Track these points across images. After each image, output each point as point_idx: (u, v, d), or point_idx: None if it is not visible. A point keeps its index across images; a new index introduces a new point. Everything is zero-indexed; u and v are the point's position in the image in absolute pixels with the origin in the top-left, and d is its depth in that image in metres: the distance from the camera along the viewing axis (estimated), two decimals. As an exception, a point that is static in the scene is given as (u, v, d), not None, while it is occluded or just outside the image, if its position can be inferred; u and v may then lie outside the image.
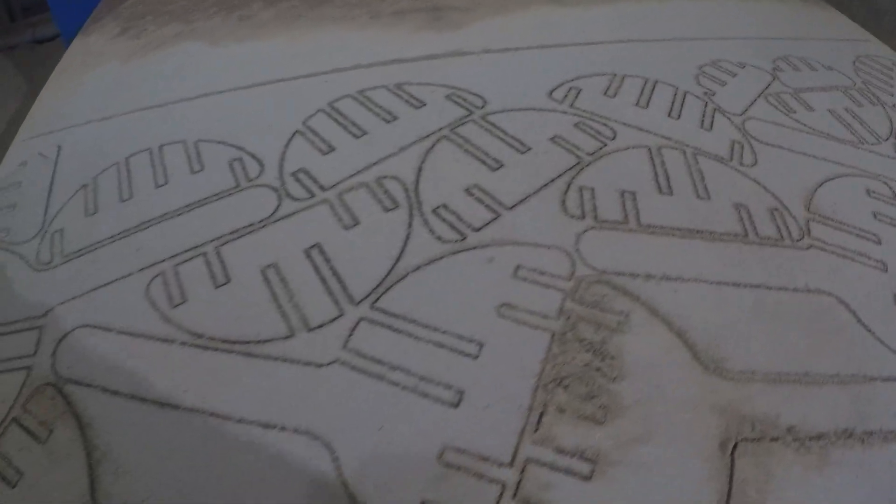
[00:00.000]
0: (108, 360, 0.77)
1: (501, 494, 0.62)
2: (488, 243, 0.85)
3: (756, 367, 0.72)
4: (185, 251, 0.88)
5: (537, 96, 1.10)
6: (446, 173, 0.95)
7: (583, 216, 0.88)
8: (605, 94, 1.11)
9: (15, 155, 1.16)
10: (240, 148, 1.04)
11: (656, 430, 0.67)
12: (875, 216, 0.93)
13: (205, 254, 0.87)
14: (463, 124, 1.04)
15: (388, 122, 1.05)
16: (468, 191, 0.92)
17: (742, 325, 0.76)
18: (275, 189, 0.95)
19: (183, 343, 0.77)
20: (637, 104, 1.09)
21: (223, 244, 0.88)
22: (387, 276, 0.81)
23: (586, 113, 1.06)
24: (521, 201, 0.90)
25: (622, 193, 0.92)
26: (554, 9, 1.40)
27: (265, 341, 0.76)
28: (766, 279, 0.81)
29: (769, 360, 0.73)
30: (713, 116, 1.08)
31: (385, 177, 0.95)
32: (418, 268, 0.82)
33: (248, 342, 0.76)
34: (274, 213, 0.91)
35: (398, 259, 0.83)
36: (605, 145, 1.00)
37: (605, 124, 1.04)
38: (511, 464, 0.64)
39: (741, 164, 0.98)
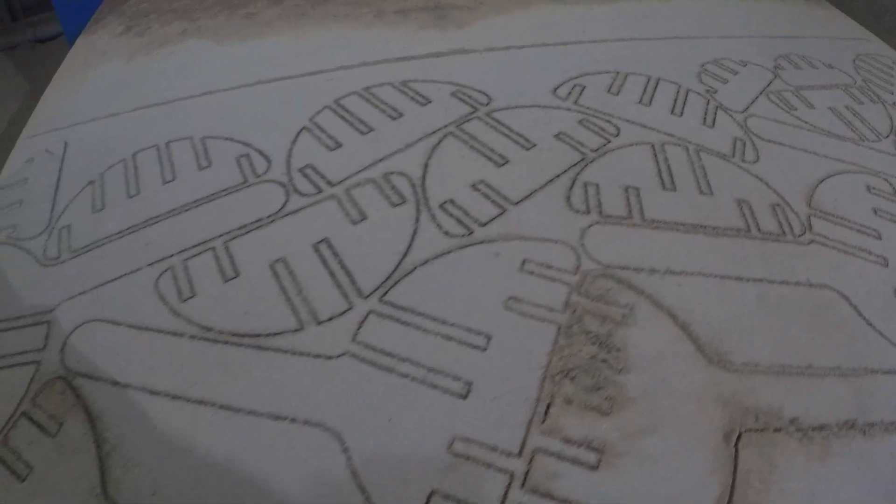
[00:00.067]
0: (118, 354, 0.77)
1: (510, 484, 0.63)
2: (495, 238, 0.86)
3: (759, 359, 0.73)
4: (194, 246, 0.88)
5: (541, 94, 1.11)
6: (452, 169, 0.96)
7: (588, 211, 0.89)
8: (609, 91, 1.12)
9: (21, 152, 1.16)
10: (247, 144, 1.04)
11: (662, 421, 0.68)
12: (875, 212, 0.94)
13: (213, 249, 0.88)
14: (468, 121, 1.05)
15: (394, 118, 1.06)
16: (474, 186, 0.93)
17: (745, 318, 0.77)
18: (282, 185, 0.96)
19: (192, 336, 0.78)
20: (640, 101, 1.10)
21: (232, 239, 0.89)
22: (395, 270, 0.82)
23: (590, 110, 1.07)
24: (527, 197, 0.91)
25: (626, 189, 0.93)
26: (556, 7, 1.41)
27: (275, 334, 0.76)
28: (769, 274, 0.82)
29: (772, 352, 0.74)
30: (715, 114, 1.09)
31: (392, 173, 0.96)
32: (426, 262, 0.83)
33: (257, 335, 0.77)
34: (282, 208, 0.92)
35: (406, 253, 0.84)
36: (609, 142, 1.01)
37: (608, 121, 1.05)
38: (519, 454, 0.65)
39: (743, 160, 0.99)
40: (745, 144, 1.03)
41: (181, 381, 0.74)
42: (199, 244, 0.89)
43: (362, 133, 1.04)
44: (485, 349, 0.74)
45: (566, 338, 0.74)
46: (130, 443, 0.69)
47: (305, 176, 0.97)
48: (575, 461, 0.65)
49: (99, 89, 1.29)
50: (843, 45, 1.35)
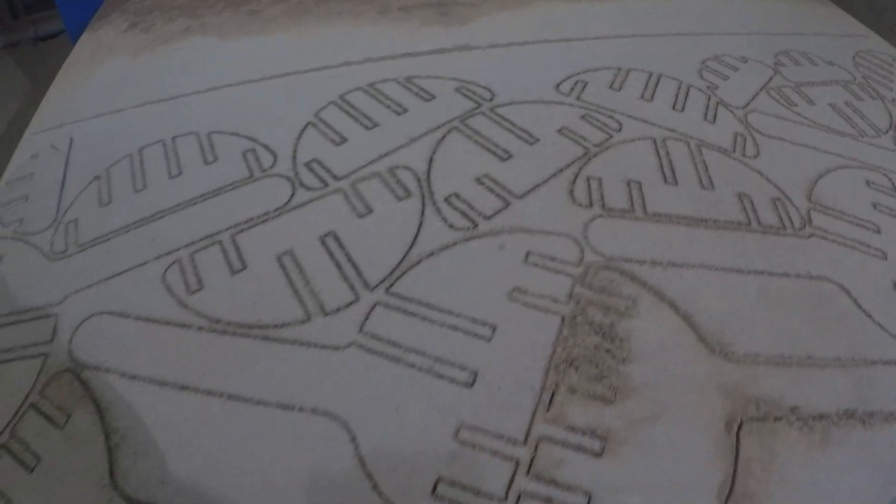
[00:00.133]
0: (126, 346, 0.78)
1: (515, 471, 0.64)
2: (499, 231, 0.87)
3: (760, 350, 0.74)
4: (201, 239, 0.89)
5: (544, 89, 1.12)
6: (457, 164, 0.97)
7: (590, 205, 0.90)
8: (611, 87, 1.13)
9: (26, 148, 1.17)
10: (252, 139, 1.05)
11: (664, 410, 0.69)
12: (875, 206, 0.95)
13: (220, 242, 0.88)
14: (472, 116, 1.06)
15: (398, 114, 1.07)
16: (479, 180, 0.94)
17: (746, 310, 0.78)
18: (289, 179, 0.97)
19: (200, 328, 0.79)
20: (642, 97, 1.11)
21: (239, 232, 0.89)
22: (401, 262, 0.83)
23: (592, 105, 1.08)
24: (531, 190, 0.92)
25: (628, 183, 0.94)
26: (558, 4, 1.42)
27: (282, 326, 0.77)
28: (769, 266, 0.83)
29: (773, 343, 0.75)
30: (716, 109, 1.10)
31: (397, 167, 0.97)
32: (431, 254, 0.84)
33: (265, 326, 0.78)
34: (288, 202, 0.93)
35: (412, 246, 0.85)
36: (612, 137, 1.02)
37: (611, 116, 1.06)
38: (524, 442, 0.66)
39: (744, 155, 1.00)
40: (745, 139, 1.04)
41: (189, 372, 0.74)
42: (206, 237, 0.89)
43: (367, 128, 1.05)
44: (490, 339, 0.75)
45: (570, 328, 0.75)
46: (139, 433, 0.70)
47: (311, 170, 0.98)
48: (579, 449, 0.66)
49: (104, 85, 1.29)
50: (844, 42, 1.36)
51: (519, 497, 0.63)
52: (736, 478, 0.64)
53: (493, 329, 0.76)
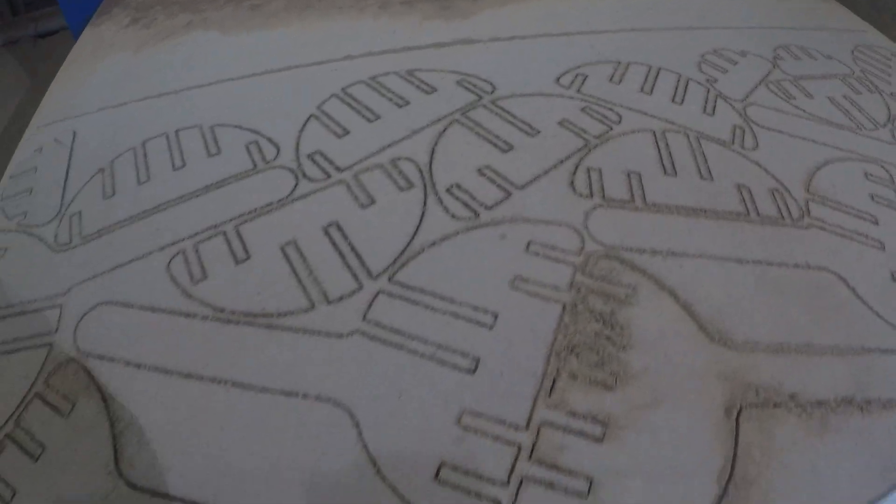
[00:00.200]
0: (131, 335, 0.79)
1: (517, 456, 0.65)
2: (501, 220, 0.87)
3: (759, 337, 0.75)
4: (205, 230, 0.90)
5: (545, 82, 1.13)
6: (459, 155, 0.98)
7: (591, 195, 0.91)
8: (611, 80, 1.14)
9: (29, 142, 1.18)
10: (255, 132, 1.06)
11: (665, 396, 0.70)
12: (873, 198, 0.95)
13: (224, 232, 0.89)
14: (473, 109, 1.06)
15: (400, 106, 1.08)
16: (480, 171, 0.95)
17: (745, 299, 0.79)
18: (292, 170, 0.98)
19: (205, 317, 0.79)
20: (641, 90, 1.12)
21: (242, 223, 0.90)
22: (403, 251, 0.84)
23: (592, 98, 1.09)
24: (532, 181, 0.93)
25: (628, 174, 0.94)
26: (558, -1, 1.42)
27: (286, 314, 0.78)
28: (768, 256, 0.84)
29: (771, 331, 0.76)
30: (715, 102, 1.10)
31: (399, 158, 0.98)
32: (434, 244, 0.84)
33: (269, 315, 0.78)
34: (291, 193, 0.94)
35: (414, 235, 0.85)
36: (612, 129, 1.03)
37: (610, 109, 1.07)
38: (526, 427, 0.67)
39: (743, 147, 1.01)
40: (744, 132, 1.04)
41: (194, 360, 0.75)
42: (210, 228, 0.90)
43: (369, 120, 1.06)
44: (492, 327, 0.75)
45: (571, 316, 0.76)
46: (143, 421, 0.71)
47: (314, 162, 0.99)
48: (581, 434, 0.67)
49: (106, 80, 1.30)
50: (842, 36, 1.37)
51: (521, 482, 0.63)
52: (736, 463, 0.65)
53: (495, 317, 0.76)
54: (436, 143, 1.00)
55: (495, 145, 1.00)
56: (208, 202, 0.94)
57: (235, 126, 1.08)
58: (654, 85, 1.13)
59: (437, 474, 0.64)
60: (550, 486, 0.63)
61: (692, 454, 0.65)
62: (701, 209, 0.90)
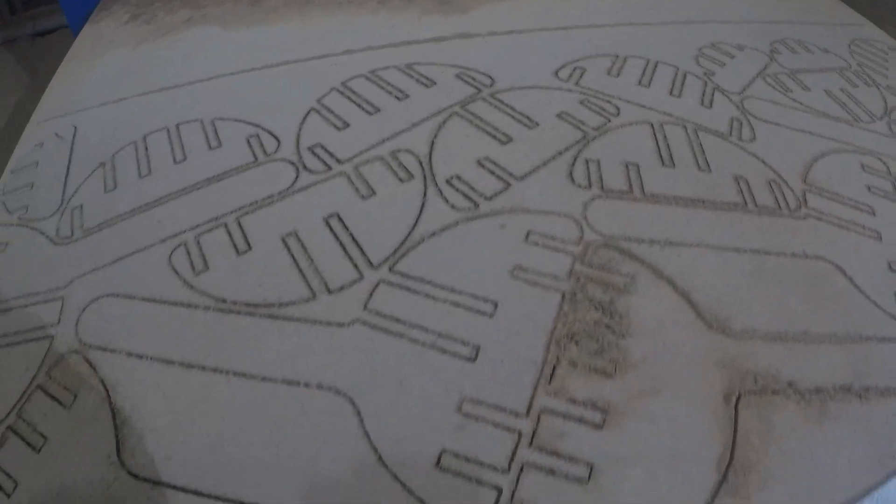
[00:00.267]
0: (132, 326, 0.79)
1: (518, 443, 0.65)
2: (500, 211, 0.88)
3: (757, 326, 0.76)
4: (206, 222, 0.90)
5: (543, 75, 1.13)
6: (458, 147, 0.98)
7: (589, 186, 0.91)
8: (609, 73, 1.14)
9: (30, 137, 1.18)
10: (256, 125, 1.06)
11: (664, 384, 0.70)
12: (869, 189, 0.96)
13: (225, 224, 0.90)
14: (473, 101, 1.07)
15: (400, 100, 1.08)
16: (480, 163, 0.95)
17: (743, 288, 0.80)
18: (292, 163, 0.98)
19: (206, 308, 0.80)
20: (639, 83, 1.12)
21: (243, 215, 0.91)
22: (404, 241, 0.84)
23: (591, 91, 1.10)
24: (531, 172, 0.93)
25: (626, 165, 0.95)
26: (557, -6, 1.43)
27: (287, 304, 0.78)
28: (765, 246, 0.85)
29: (769, 319, 0.76)
30: (713, 95, 1.11)
31: (399, 150, 0.98)
32: (434, 234, 0.85)
33: (270, 305, 0.79)
34: (292, 185, 0.94)
35: (414, 226, 0.86)
36: (610, 121, 1.03)
37: (609, 101, 1.07)
38: (527, 414, 0.67)
39: (740, 139, 1.02)
40: (741, 124, 1.05)
41: (195, 350, 0.75)
42: (211, 220, 0.90)
43: (369, 113, 1.06)
44: (492, 315, 0.76)
45: (570, 304, 0.76)
46: (145, 411, 0.71)
47: (315, 154, 0.99)
48: (581, 421, 0.67)
49: (106, 76, 1.30)
50: (839, 30, 1.37)
51: (522, 468, 0.64)
52: (735, 449, 0.65)
53: (495, 305, 0.77)
54: (435, 136, 1.01)
55: (494, 137, 1.00)
56: (209, 194, 0.95)
57: (236, 120, 1.08)
58: (651, 78, 1.14)
59: (438, 462, 0.64)
60: (551, 472, 0.64)
61: (691, 441, 0.66)
62: (699, 200, 0.90)
